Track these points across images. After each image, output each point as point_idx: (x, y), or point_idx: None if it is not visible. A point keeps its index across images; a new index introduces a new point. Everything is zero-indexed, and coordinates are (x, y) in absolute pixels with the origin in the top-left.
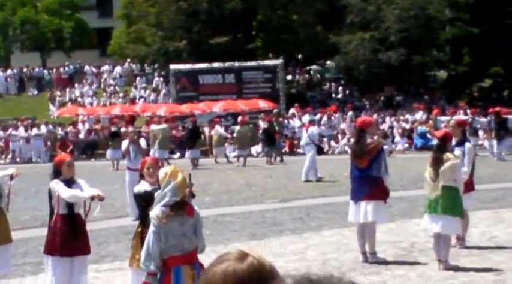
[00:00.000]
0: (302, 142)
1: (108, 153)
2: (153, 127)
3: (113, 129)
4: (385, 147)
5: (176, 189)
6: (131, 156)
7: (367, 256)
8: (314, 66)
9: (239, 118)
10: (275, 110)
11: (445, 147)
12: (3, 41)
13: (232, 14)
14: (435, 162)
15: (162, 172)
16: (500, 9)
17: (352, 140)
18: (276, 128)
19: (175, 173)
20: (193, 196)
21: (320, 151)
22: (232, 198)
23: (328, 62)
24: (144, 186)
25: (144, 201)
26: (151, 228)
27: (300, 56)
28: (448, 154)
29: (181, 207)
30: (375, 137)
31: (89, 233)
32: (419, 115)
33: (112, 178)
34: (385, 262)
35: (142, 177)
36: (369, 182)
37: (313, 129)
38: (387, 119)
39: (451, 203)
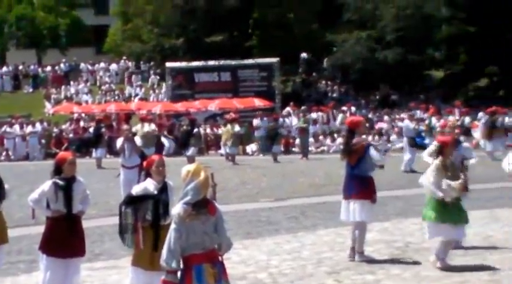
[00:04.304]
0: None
1: (94, 151)
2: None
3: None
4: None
5: (199, 187)
6: (126, 154)
7: (355, 251)
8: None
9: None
10: (303, 107)
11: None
12: None
13: (229, 11)
14: None
15: (184, 170)
16: (496, 8)
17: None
18: (304, 125)
19: (198, 171)
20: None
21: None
22: (227, 196)
23: (325, 60)
24: (148, 185)
25: (137, 202)
26: (173, 225)
27: (304, 55)
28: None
29: (203, 205)
30: (364, 136)
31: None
32: (418, 114)
33: (107, 175)
34: (373, 261)
35: (148, 175)
36: (357, 181)
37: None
38: (385, 118)
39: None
